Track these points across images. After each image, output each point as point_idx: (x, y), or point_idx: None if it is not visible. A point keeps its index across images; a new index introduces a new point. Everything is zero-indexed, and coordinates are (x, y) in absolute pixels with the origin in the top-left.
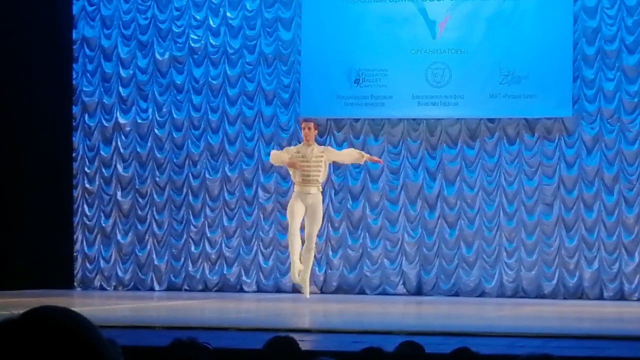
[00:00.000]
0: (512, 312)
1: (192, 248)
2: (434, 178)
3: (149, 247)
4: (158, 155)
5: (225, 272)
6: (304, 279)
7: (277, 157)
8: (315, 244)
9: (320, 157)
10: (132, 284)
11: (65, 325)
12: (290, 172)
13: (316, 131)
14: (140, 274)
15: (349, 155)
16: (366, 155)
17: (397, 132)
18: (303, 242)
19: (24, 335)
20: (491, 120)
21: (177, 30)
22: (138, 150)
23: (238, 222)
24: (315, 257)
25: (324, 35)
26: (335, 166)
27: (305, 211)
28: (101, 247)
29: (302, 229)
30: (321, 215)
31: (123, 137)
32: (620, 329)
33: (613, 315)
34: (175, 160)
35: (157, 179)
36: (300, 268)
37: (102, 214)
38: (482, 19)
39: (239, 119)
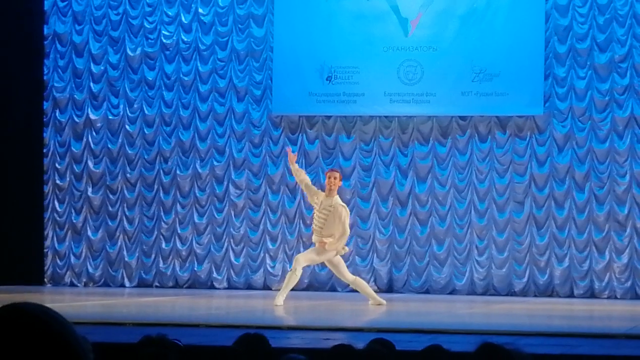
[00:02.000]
0: (482, 309)
1: (163, 245)
2: (406, 175)
3: (119, 243)
4: (129, 152)
5: (196, 268)
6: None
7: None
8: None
9: (329, 210)
10: (102, 280)
11: (39, 321)
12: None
13: (341, 182)
14: (110, 270)
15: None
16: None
17: (369, 130)
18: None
19: None
20: (463, 118)
21: (148, 26)
22: (109, 146)
23: (209, 219)
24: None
25: (296, 32)
26: (307, 162)
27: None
28: (72, 243)
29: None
30: (337, 261)
31: (94, 133)
32: (591, 326)
33: (583, 313)
34: (146, 157)
35: (128, 175)
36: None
37: (72, 210)
38: (455, 16)
39: (210, 116)
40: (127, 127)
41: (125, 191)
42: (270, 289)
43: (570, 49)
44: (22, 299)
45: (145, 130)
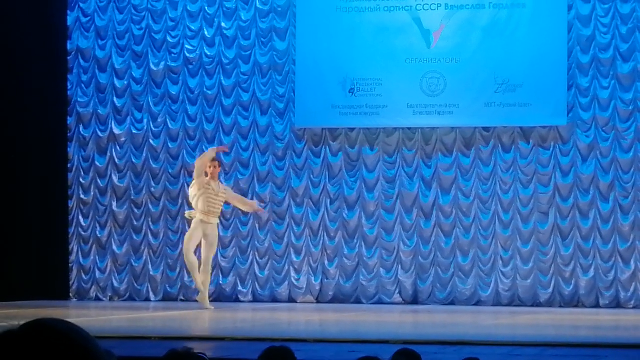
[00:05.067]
0: (508, 320)
1: None
2: (430, 187)
3: (144, 257)
4: (153, 166)
5: (221, 282)
6: (204, 296)
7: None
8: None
9: (224, 194)
10: (128, 294)
11: (63, 337)
12: (195, 203)
13: (220, 169)
14: (136, 284)
15: (241, 202)
16: (254, 206)
17: (393, 142)
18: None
19: (23, 347)
20: (486, 129)
21: (171, 41)
22: (133, 160)
23: (234, 232)
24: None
25: (318, 45)
26: (331, 175)
27: (202, 239)
28: (97, 257)
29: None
30: (217, 243)
31: (118, 148)
32: (617, 337)
33: (609, 323)
34: (170, 171)
35: (153, 189)
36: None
37: (97, 225)
38: (477, 28)
39: (234, 129)
40: (151, 141)
41: (150, 205)
42: (296, 302)
43: (593, 59)
44: (47, 314)
45: (169, 145)
